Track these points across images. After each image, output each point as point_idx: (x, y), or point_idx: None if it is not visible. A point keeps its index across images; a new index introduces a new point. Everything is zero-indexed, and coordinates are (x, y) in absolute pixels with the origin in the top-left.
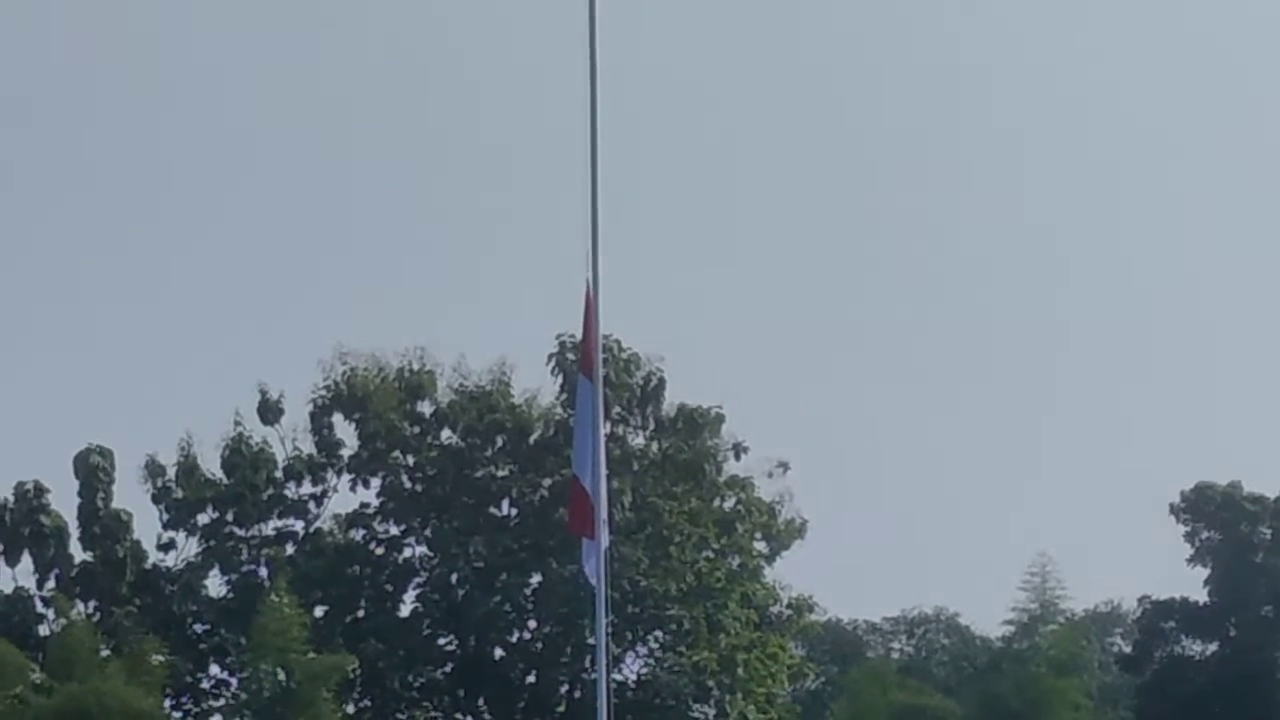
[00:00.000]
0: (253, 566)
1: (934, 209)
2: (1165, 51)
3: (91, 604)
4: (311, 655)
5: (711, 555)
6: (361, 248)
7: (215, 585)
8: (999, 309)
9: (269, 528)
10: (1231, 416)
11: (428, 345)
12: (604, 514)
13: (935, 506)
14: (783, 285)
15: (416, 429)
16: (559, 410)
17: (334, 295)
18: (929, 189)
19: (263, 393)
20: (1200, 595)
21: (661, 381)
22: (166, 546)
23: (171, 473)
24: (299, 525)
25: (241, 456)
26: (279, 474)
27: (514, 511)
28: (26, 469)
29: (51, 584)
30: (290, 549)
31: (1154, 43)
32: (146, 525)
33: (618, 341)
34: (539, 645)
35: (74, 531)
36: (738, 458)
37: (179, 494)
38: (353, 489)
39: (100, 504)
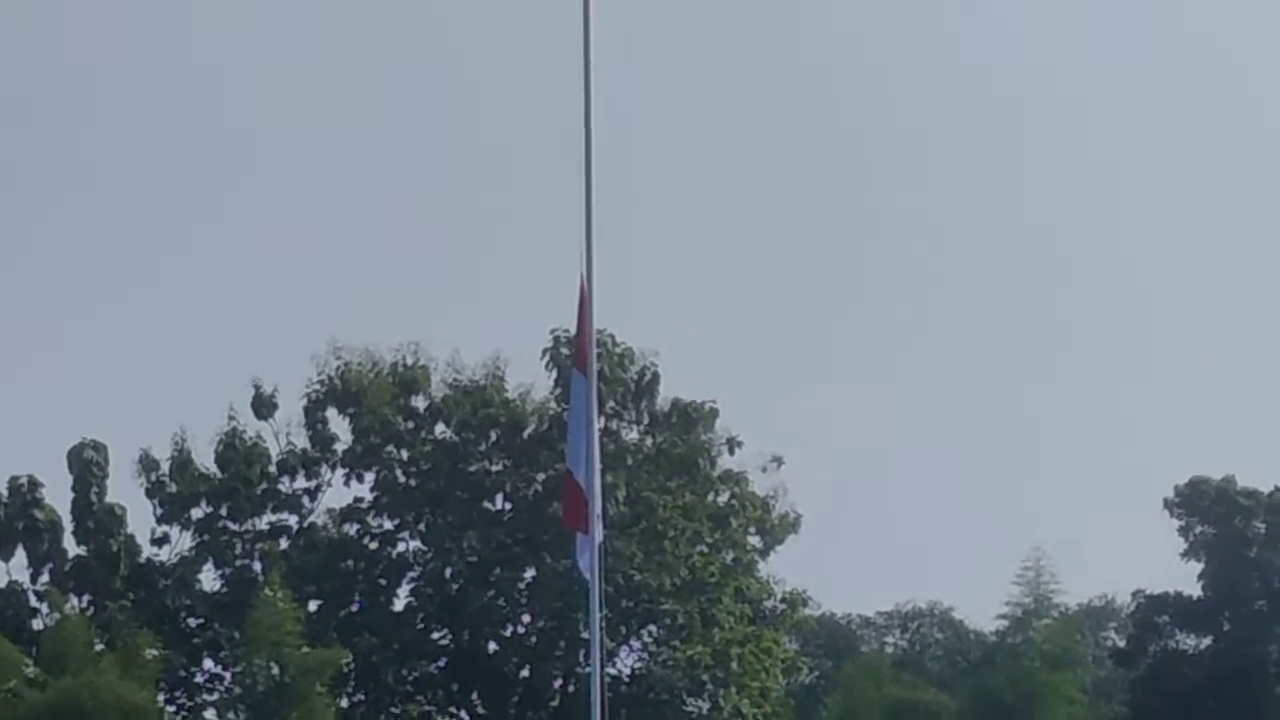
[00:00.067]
0: (246, 561)
1: (929, 204)
2: (1164, 51)
3: (85, 598)
4: (305, 649)
5: (705, 550)
6: (355, 242)
7: (209, 580)
8: (994, 306)
9: (263, 522)
10: (1226, 411)
11: (422, 340)
12: (598, 509)
13: (929, 501)
14: (777, 280)
15: (410, 424)
16: (553, 405)
17: (328, 290)
18: (925, 184)
19: (257, 387)
20: (1194, 589)
21: (656, 376)
22: (160, 541)
23: (165, 467)
24: (293, 520)
25: (235, 451)
26: (273, 468)
27: (508, 506)
28: (20, 463)
29: (45, 578)
30: (284, 543)
31: (1153, 42)
32: (140, 519)
33: (612, 336)
34: (533, 639)
35: (68, 526)
36: (732, 452)
37: (173, 488)
38: (346, 483)
39: (94, 498)
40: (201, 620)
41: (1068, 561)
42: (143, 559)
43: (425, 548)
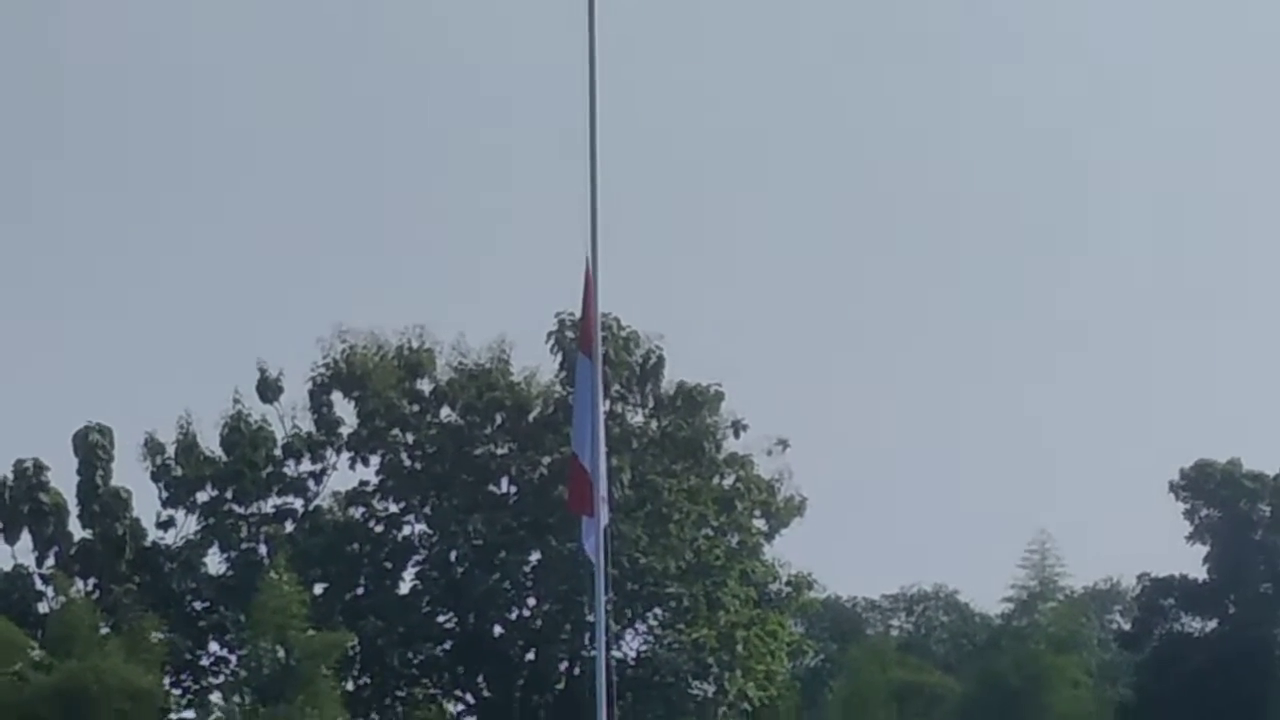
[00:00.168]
0: (252, 544)
1: (933, 186)
2: (1163, 50)
3: (91, 581)
4: (311, 632)
5: (711, 533)
6: (360, 227)
7: (214, 563)
8: (999, 283)
9: (268, 505)
10: (1231, 394)
11: (427, 324)
12: (603, 491)
13: (934, 483)
14: (781, 264)
15: (416, 407)
16: (558, 388)
17: (333, 273)
18: (929, 168)
19: (262, 371)
20: (1200, 572)
21: (661, 359)
22: (166, 524)
23: (171, 450)
24: (298, 503)
25: (241, 434)
26: (278, 452)
27: (513, 489)
28: (26, 447)
29: (51, 562)
30: (289, 527)
31: (1153, 42)
32: (146, 503)
33: (617, 319)
34: (538, 623)
35: (73, 509)
36: (737, 435)
37: (178, 472)
38: (352, 467)
39: (100, 482)
40: (207, 603)
41: (1073, 544)
42: (148, 542)
43: (430, 531)
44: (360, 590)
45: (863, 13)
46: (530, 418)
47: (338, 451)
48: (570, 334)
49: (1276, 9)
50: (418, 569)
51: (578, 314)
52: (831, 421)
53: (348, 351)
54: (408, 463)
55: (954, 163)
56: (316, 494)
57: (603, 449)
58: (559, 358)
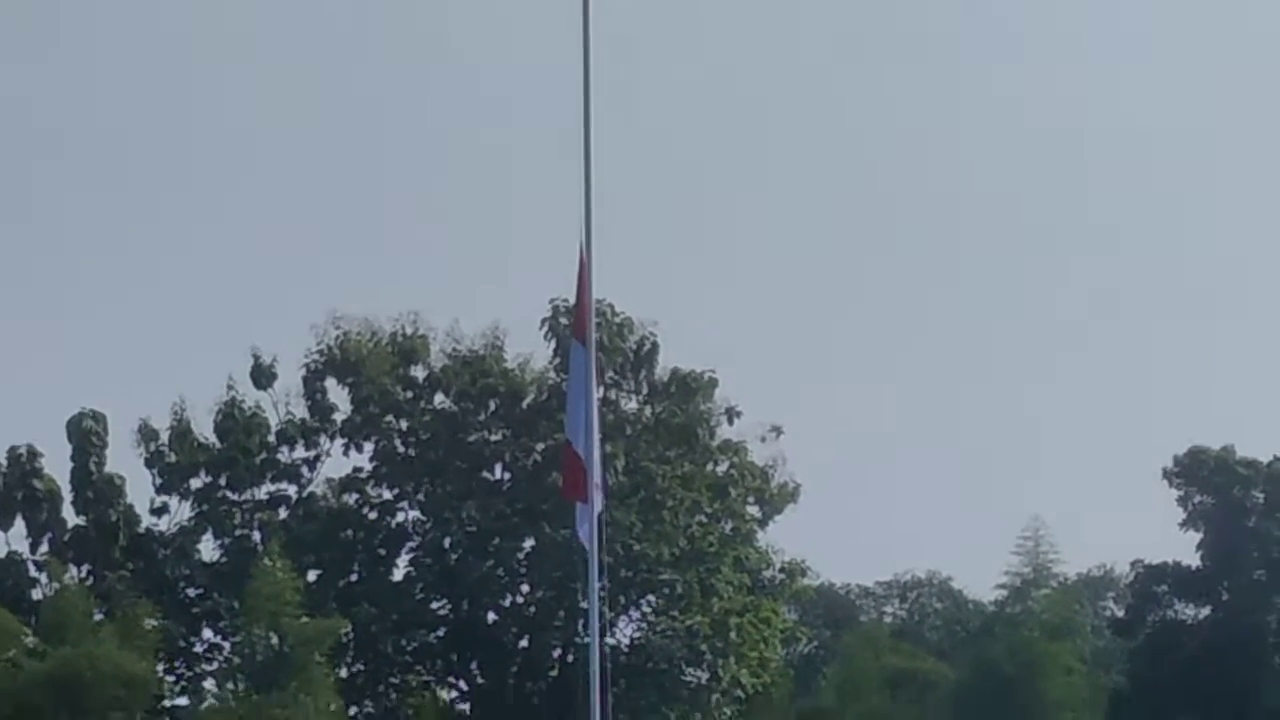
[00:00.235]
0: (245, 531)
1: (933, 185)
2: (1162, 51)
3: (84, 568)
4: (304, 619)
5: (704, 519)
6: (355, 213)
7: (208, 549)
8: (994, 274)
9: (262, 492)
10: (1225, 381)
11: (421, 310)
12: (597, 478)
13: (928, 470)
14: (775, 250)
15: (409, 393)
16: (552, 375)
17: (327, 259)
18: (929, 167)
19: (256, 357)
20: (1193, 559)
21: (654, 346)
22: (159, 511)
23: (164, 437)
24: (292, 489)
25: (234, 421)
26: (272, 438)
27: (507, 476)
28: (19, 433)
29: (44, 548)
30: (283, 513)
31: (1151, 43)
32: (139, 489)
33: (611, 306)
34: (532, 609)
35: (67, 495)
36: (731, 422)
37: (172, 458)
38: (345, 453)
39: (93, 468)
40: (201, 590)
41: (1067, 531)
42: (142, 529)
43: (424, 517)
44: (354, 577)
45: (863, 12)
46: (524, 404)
47: (331, 438)
48: (564, 320)
49: (1276, 9)
50: (411, 555)
51: (572, 300)
52: (825, 408)
53: (342, 338)
54: (401, 449)
55: (954, 162)
56: (310, 480)
57: (596, 436)
58: (553, 344)
